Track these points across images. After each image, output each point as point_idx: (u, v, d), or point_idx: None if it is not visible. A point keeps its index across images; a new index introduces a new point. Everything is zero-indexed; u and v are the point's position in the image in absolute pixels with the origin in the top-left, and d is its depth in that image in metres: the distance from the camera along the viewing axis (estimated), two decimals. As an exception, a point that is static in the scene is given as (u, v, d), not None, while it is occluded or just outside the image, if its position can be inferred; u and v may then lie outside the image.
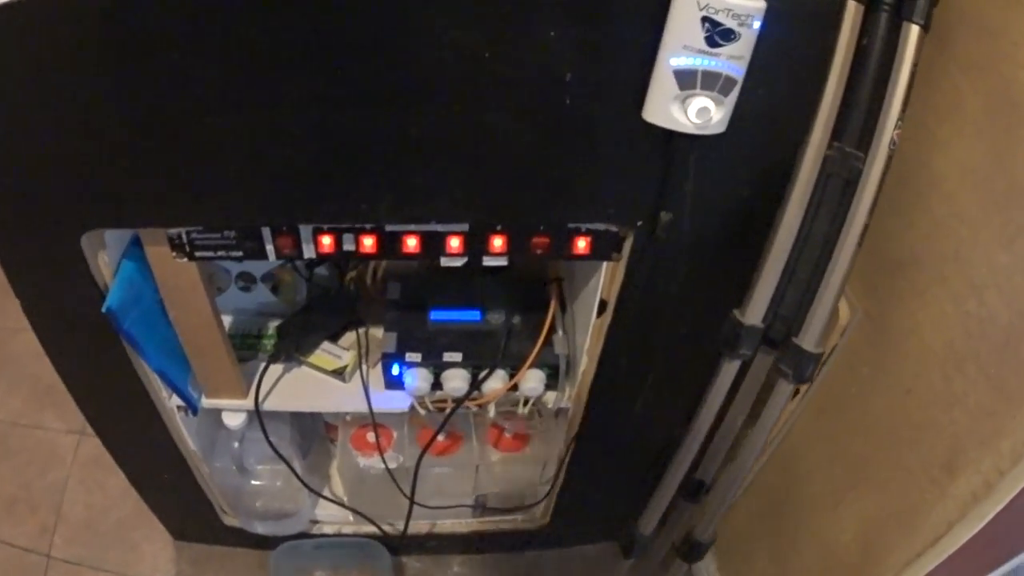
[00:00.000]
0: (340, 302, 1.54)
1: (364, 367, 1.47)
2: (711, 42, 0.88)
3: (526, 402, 1.45)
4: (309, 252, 1.15)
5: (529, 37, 0.90)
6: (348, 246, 1.14)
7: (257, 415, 1.41)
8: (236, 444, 1.52)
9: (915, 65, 0.96)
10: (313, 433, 1.76)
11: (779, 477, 1.51)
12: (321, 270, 1.56)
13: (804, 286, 1.13)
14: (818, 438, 1.40)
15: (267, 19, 0.87)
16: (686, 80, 0.91)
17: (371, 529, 1.77)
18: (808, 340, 1.13)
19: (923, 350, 1.11)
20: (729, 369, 1.24)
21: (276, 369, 1.46)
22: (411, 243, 1.15)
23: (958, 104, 1.01)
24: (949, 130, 1.04)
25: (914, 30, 0.95)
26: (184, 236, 1.14)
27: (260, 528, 1.73)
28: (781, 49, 0.93)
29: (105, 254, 1.16)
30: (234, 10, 0.86)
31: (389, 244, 1.15)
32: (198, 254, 1.16)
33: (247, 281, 1.52)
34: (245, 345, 1.49)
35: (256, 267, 1.52)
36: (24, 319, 1.20)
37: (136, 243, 1.18)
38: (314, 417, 1.77)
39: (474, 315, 1.44)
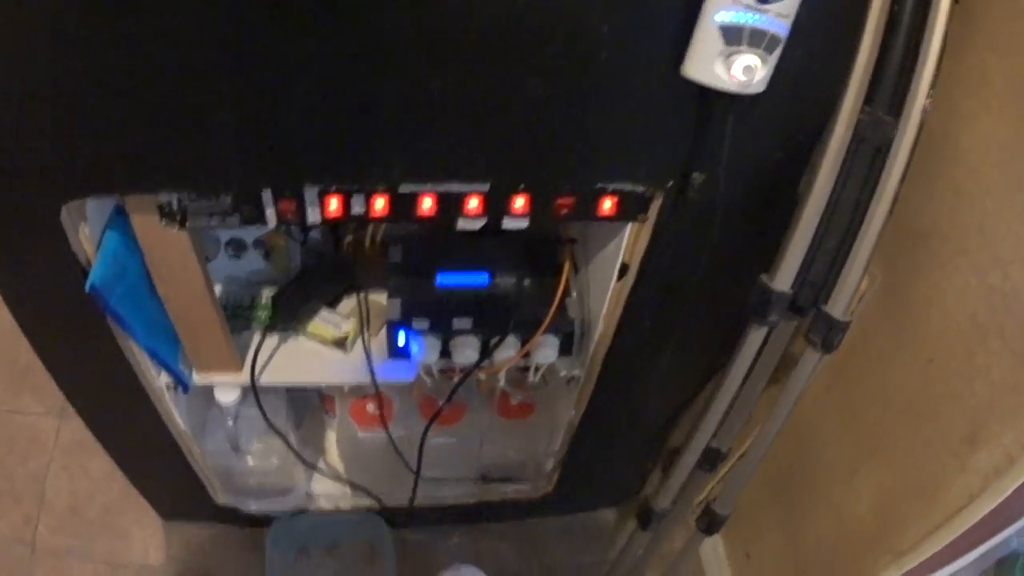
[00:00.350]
0: (337, 267, 1.46)
1: (366, 336, 1.40)
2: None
3: (537, 369, 1.39)
4: (314, 217, 1.07)
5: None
6: (357, 209, 1.07)
7: (253, 391, 1.34)
8: (230, 422, 1.45)
9: (945, 35, 0.94)
10: (305, 403, 1.69)
11: (790, 446, 1.49)
12: (315, 233, 1.48)
13: (833, 253, 1.12)
14: (832, 406, 1.38)
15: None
16: (732, 36, 0.88)
17: (369, 502, 1.72)
18: (837, 308, 1.11)
19: (945, 322, 1.10)
20: (756, 336, 1.21)
21: (271, 341, 1.39)
22: (426, 205, 1.07)
23: (984, 80, 1.02)
24: (975, 104, 1.04)
25: (944, 1, 0.94)
26: (175, 203, 1.05)
27: (254, 506, 1.67)
28: (820, 10, 0.91)
29: (86, 226, 1.07)
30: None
31: (402, 206, 1.07)
32: (190, 222, 1.08)
33: (237, 248, 1.44)
34: (237, 316, 1.41)
35: (247, 232, 1.44)
36: (-3, 299, 1.11)
37: (120, 211, 1.10)
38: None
39: (482, 278, 1.38)
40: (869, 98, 1.01)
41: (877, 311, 1.25)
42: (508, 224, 1.12)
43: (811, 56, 0.95)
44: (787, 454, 1.50)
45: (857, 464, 1.30)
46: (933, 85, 0.96)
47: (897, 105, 1.00)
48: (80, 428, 1.42)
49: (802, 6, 0.87)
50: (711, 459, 1.44)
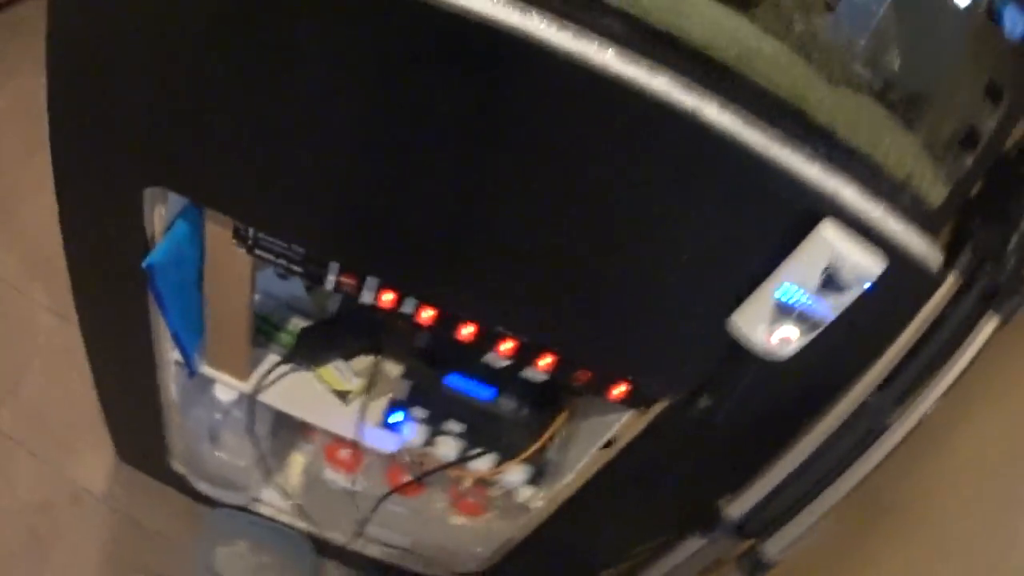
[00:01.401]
0: (368, 325, 1.51)
1: (367, 399, 1.47)
2: (822, 288, 0.90)
3: (502, 488, 1.46)
4: (367, 299, 1.15)
5: (674, 221, 0.93)
6: (406, 309, 1.14)
7: (250, 404, 1.42)
8: (218, 416, 1.52)
9: (979, 352, 1.01)
10: (287, 419, 1.75)
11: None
12: (360, 286, 1.54)
13: (792, 502, 1.18)
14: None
15: (446, 73, 0.85)
16: (783, 312, 0.92)
17: (306, 526, 1.78)
18: (774, 548, 1.19)
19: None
20: (693, 544, 1.30)
21: (283, 367, 1.45)
22: (466, 331, 1.14)
23: (999, 395, 1.09)
24: (975, 412, 1.10)
25: (993, 321, 1.00)
26: (251, 231, 1.12)
27: (203, 487, 1.73)
28: (872, 302, 0.94)
29: (163, 208, 1.13)
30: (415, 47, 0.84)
31: (444, 324, 1.15)
32: (258, 252, 1.15)
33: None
34: (261, 330, 1.48)
35: (300, 259, 1.50)
36: (45, 186, 1.11)
37: (196, 207, 1.16)
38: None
39: (489, 393, 1.44)
40: (883, 384, 1.06)
41: (822, 558, 1.27)
42: (526, 373, 1.20)
43: (847, 337, 0.99)
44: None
45: None
46: (946, 395, 1.02)
47: (904, 400, 1.06)
48: (76, 338, 1.44)
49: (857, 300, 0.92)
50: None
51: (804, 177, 0.87)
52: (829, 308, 0.92)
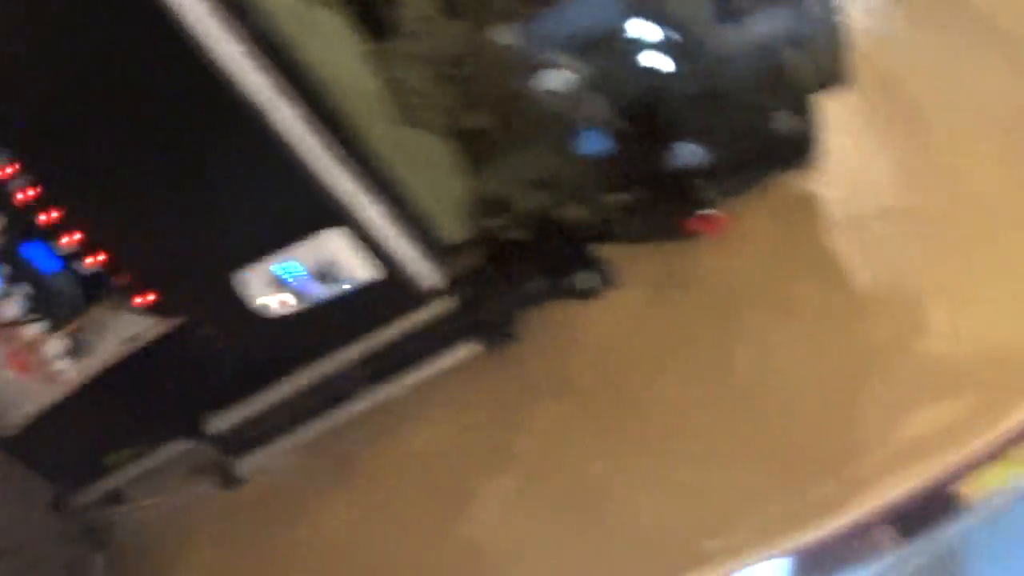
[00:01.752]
0: None
1: None
2: (319, 276, 1.23)
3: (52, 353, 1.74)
4: None
5: (221, 183, 1.30)
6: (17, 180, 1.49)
7: None
8: None
9: (453, 365, 1.43)
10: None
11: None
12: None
13: (267, 430, 1.54)
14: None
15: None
16: (281, 283, 1.26)
17: None
18: (244, 467, 1.59)
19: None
20: (176, 447, 1.68)
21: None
22: (51, 214, 1.48)
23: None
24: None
25: (473, 346, 1.38)
26: None
27: None
28: (368, 296, 1.29)
29: None
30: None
31: (40, 204, 1.48)
32: None
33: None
34: None
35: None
36: None
37: None
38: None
39: (56, 266, 1.61)
40: (365, 359, 1.43)
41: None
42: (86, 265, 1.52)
43: (338, 317, 1.33)
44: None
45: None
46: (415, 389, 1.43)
47: (378, 378, 1.44)
48: None
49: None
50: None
51: (336, 189, 1.17)
52: (321, 291, 1.23)
